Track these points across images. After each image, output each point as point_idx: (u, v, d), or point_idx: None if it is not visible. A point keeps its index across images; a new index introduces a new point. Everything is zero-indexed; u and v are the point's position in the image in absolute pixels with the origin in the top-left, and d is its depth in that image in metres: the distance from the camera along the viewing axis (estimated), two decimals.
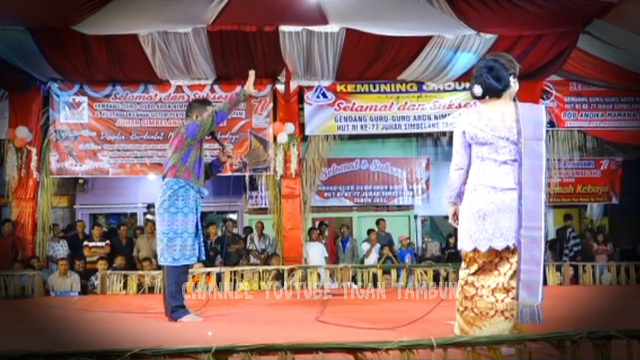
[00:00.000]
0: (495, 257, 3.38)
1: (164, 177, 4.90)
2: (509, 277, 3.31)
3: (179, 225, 4.72)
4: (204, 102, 5.22)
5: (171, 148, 4.89)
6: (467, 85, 10.76)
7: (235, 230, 11.52)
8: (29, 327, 4.64)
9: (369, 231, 11.45)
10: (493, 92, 3.50)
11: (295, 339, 3.60)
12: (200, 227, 4.90)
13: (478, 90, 3.53)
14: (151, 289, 7.50)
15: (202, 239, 4.94)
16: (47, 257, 10.17)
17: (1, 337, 4.03)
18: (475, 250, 3.38)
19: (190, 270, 8.11)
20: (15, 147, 10.09)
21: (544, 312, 3.22)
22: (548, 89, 11.03)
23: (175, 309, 4.65)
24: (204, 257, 5.12)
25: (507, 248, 3.32)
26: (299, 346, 2.42)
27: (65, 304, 6.11)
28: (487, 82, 3.48)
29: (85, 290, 8.97)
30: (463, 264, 3.49)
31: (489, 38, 9.27)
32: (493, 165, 3.41)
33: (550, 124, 11.03)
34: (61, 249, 10.39)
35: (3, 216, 11.46)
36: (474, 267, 3.41)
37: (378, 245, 11.13)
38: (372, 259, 10.91)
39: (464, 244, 3.43)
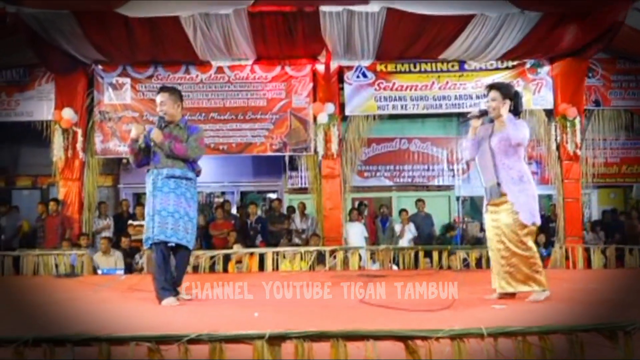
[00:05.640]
0: None
1: None
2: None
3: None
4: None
5: None
6: (510, 64, 10.62)
7: (281, 210, 11.56)
8: (80, 307, 4.78)
9: (401, 211, 11.44)
10: None
11: (342, 322, 3.66)
12: (164, 207, 4.76)
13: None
14: (195, 268, 7.63)
15: (170, 221, 4.75)
16: (94, 233, 10.45)
17: (56, 318, 4.16)
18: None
19: (232, 250, 8.30)
20: (62, 129, 10.33)
21: None
22: (594, 66, 10.78)
23: (157, 292, 4.72)
24: (175, 240, 4.78)
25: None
26: (350, 333, 2.45)
27: (112, 284, 6.26)
28: None
29: (130, 268, 9.19)
30: (533, 236, 4.65)
31: (533, 16, 9.08)
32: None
33: (596, 103, 10.85)
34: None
35: (51, 196, 11.78)
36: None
37: (411, 225, 11.11)
38: (405, 240, 10.89)
39: (537, 219, 4.60)
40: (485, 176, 4.73)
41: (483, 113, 4.78)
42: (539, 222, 4.63)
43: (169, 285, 4.73)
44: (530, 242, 4.59)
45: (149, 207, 4.83)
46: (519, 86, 10.08)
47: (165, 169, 4.87)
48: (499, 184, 4.61)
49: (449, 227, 11.69)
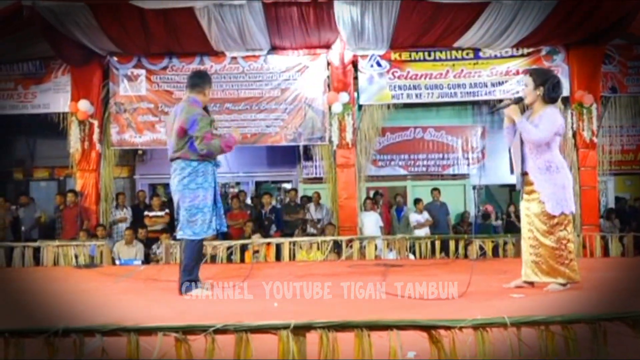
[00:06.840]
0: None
1: (172, 160, 4.87)
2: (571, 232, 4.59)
3: (201, 201, 4.77)
4: (207, 79, 5.05)
5: (174, 134, 4.80)
6: (525, 51, 10.54)
7: (297, 200, 11.59)
8: (103, 298, 4.84)
9: (416, 201, 11.42)
10: None
11: (362, 312, 3.68)
12: (219, 199, 4.95)
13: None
14: (213, 258, 7.69)
15: (222, 211, 4.98)
16: (111, 223, 10.56)
17: (80, 308, 4.22)
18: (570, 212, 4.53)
19: (250, 240, 8.34)
20: (78, 120, 10.43)
21: None
22: (610, 53, 10.68)
23: (186, 282, 4.70)
24: (224, 229, 5.07)
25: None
26: (374, 323, 2.47)
27: (132, 274, 6.32)
28: None
29: (147, 258, 9.27)
30: (564, 227, 4.50)
31: (549, 3, 9.00)
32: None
33: (612, 89, 10.76)
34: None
35: (68, 187, 11.88)
36: (571, 226, 4.55)
37: (426, 214, 11.10)
38: (423, 230, 10.88)
39: (566, 209, 4.49)
40: (515, 164, 4.69)
41: (517, 101, 4.69)
42: (568, 211, 4.49)
43: (196, 275, 4.79)
44: (562, 233, 4.49)
45: (207, 200, 4.81)
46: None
47: (218, 162, 5.00)
48: (525, 173, 4.59)
49: (485, 216, 11.68)
